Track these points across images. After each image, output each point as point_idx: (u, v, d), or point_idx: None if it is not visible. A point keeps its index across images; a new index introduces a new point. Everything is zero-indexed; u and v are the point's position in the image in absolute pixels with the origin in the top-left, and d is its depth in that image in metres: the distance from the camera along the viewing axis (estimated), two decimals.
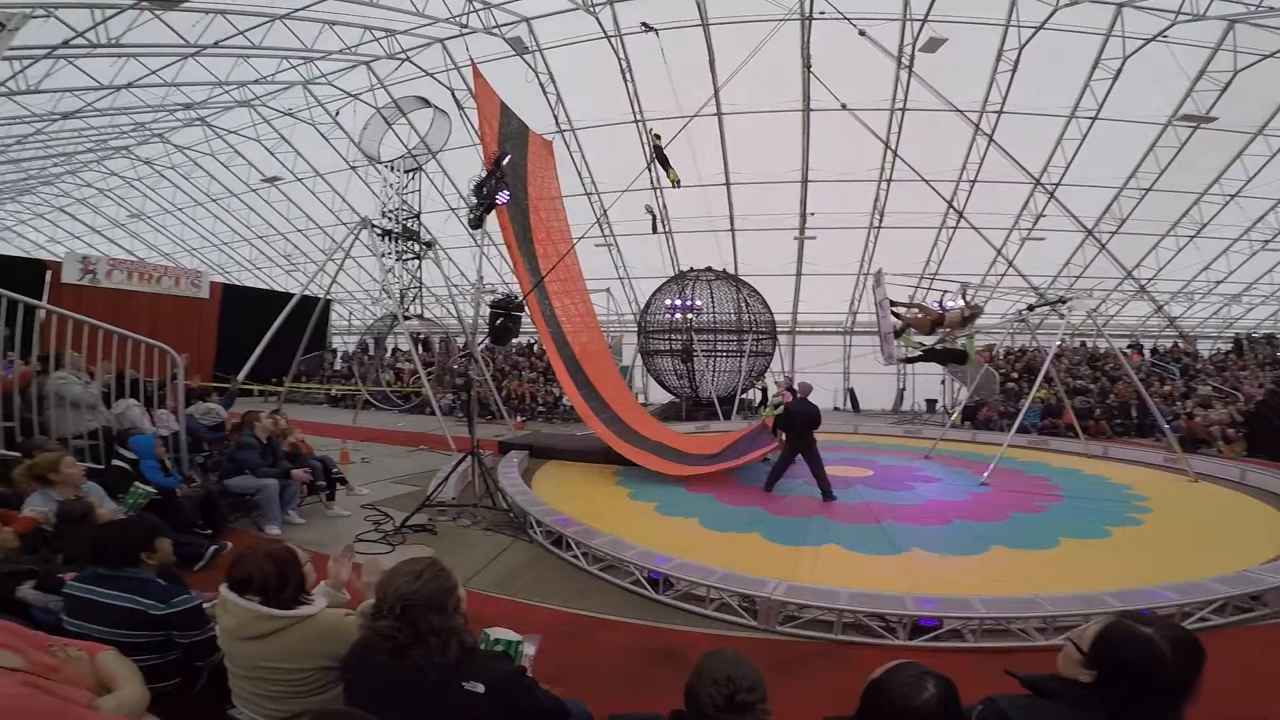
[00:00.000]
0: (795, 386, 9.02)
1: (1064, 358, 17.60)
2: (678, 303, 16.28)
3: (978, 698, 1.49)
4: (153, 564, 2.47)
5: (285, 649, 1.97)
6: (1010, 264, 13.73)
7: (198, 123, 19.42)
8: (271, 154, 20.75)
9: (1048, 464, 10.60)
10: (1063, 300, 9.91)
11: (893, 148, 13.88)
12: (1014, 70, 13.83)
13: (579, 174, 18.12)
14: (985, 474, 8.76)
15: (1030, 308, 10.52)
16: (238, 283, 25.77)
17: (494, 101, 10.52)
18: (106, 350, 5.51)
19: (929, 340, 10.03)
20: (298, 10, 12.55)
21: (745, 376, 16.53)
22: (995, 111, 14.63)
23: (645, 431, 10.45)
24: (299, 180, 21.74)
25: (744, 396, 17.17)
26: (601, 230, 19.14)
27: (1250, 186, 16.30)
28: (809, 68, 11.67)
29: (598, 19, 14.31)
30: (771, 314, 16.87)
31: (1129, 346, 19.06)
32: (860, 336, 20.72)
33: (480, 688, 1.66)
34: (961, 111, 11.01)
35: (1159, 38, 12.87)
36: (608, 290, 21.01)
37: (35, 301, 5.27)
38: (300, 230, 24.35)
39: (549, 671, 2.14)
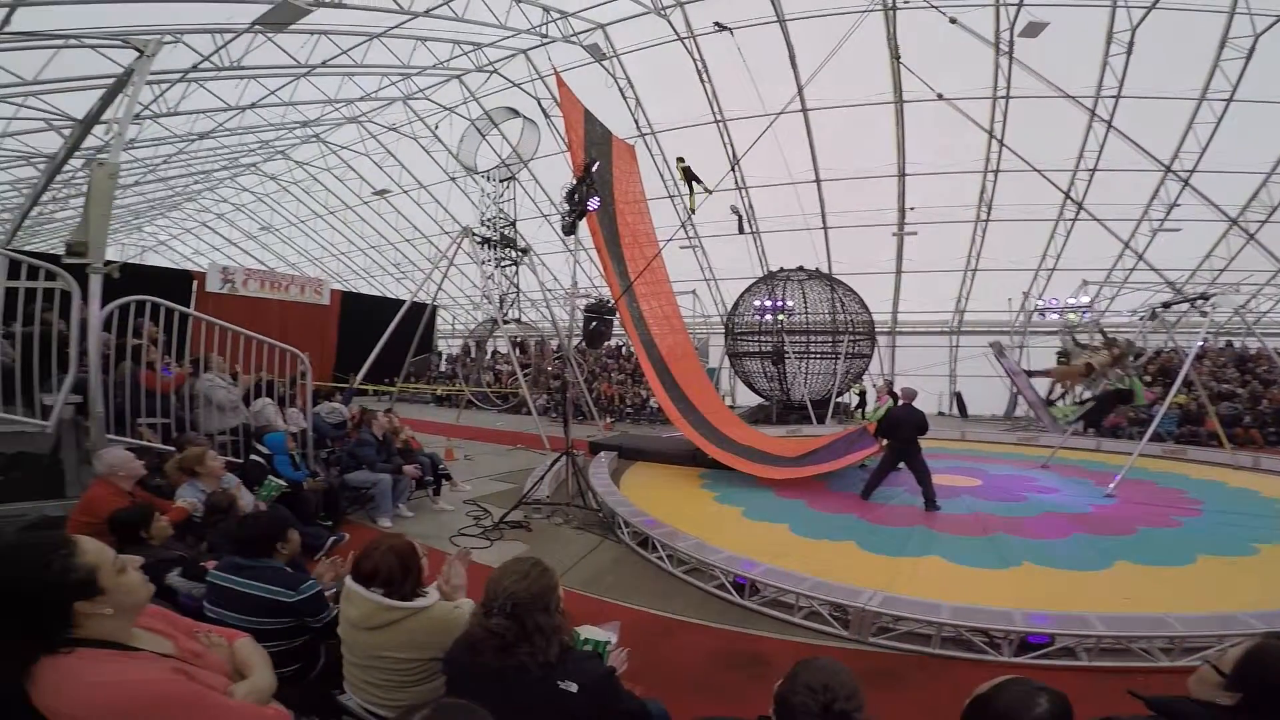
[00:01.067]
0: (898, 391, 8.62)
1: (1206, 359, 15.67)
2: (768, 303, 15.97)
3: (1090, 719, 1.40)
4: (284, 554, 2.71)
5: (401, 639, 2.10)
6: (1140, 257, 12.38)
7: (314, 139, 21.31)
8: (380, 168, 22.40)
9: (1185, 475, 9.52)
10: (1204, 297, 8.82)
11: (998, 137, 12.94)
12: (1128, 52, 12.61)
13: (661, 177, 18.23)
14: (1112, 485, 8.00)
15: (1166, 305, 9.46)
16: (354, 289, 27.99)
17: (578, 108, 10.79)
18: (246, 353, 6.17)
19: (1085, 392, 9.29)
20: (392, 29, 13.44)
21: (841, 379, 15.95)
22: (1112, 96, 13.31)
23: (734, 434, 10.35)
24: (405, 192, 23.31)
25: (839, 400, 16.57)
26: (686, 232, 19.15)
27: None
28: (898, 59, 11.15)
29: (669, 21, 14.38)
30: (870, 314, 16.18)
31: None
32: (968, 336, 19.46)
33: (574, 687, 1.72)
34: (1073, 97, 10.12)
35: None
36: (693, 292, 21.04)
37: (187, 310, 5.98)
38: (408, 240, 26.07)
39: (629, 669, 2.18)
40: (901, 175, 16.39)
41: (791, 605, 4.41)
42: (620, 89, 16.49)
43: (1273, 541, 5.89)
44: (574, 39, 14.90)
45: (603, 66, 15.69)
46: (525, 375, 15.82)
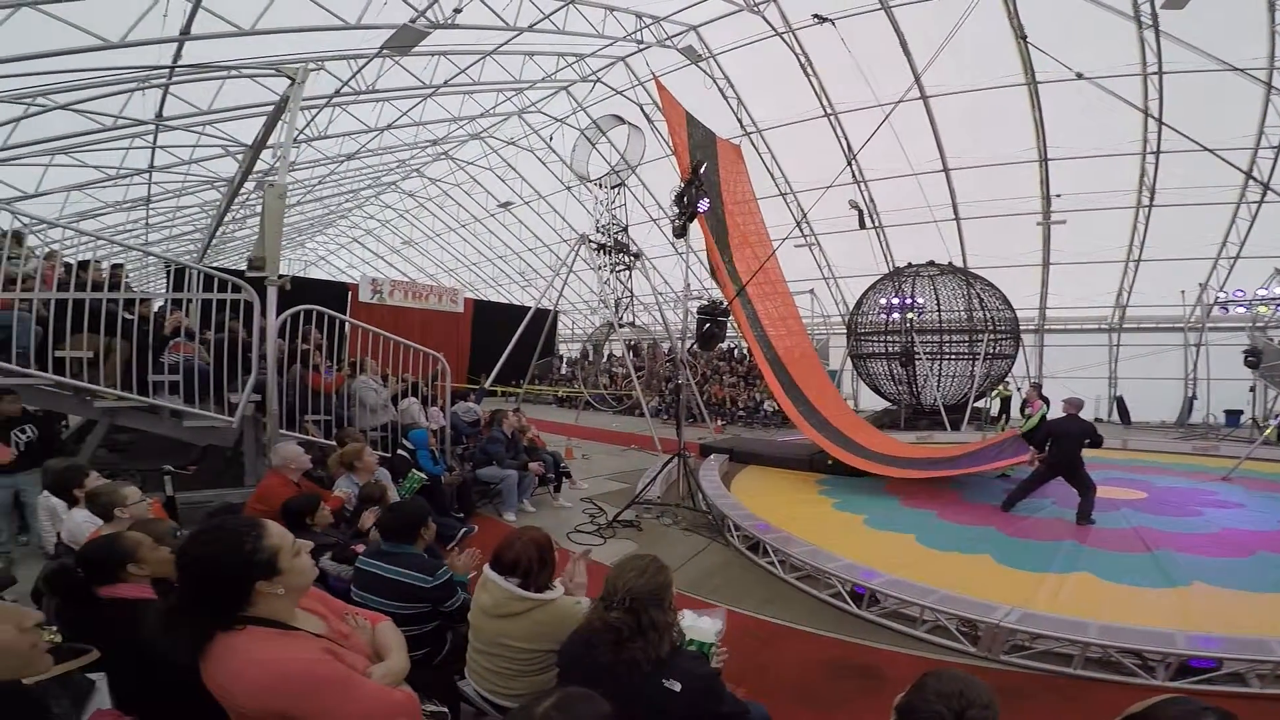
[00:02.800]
0: (1061, 397, 7.83)
1: None
2: (895, 301, 15.07)
3: None
4: (423, 541, 2.97)
5: (524, 629, 2.23)
6: None
7: (443, 157, 23.11)
8: (502, 180, 23.90)
9: None
10: None
11: (1155, 116, 11.39)
12: None
13: (770, 175, 17.84)
14: None
15: None
16: (484, 298, 29.98)
17: (679, 112, 10.83)
18: (394, 356, 6.87)
19: None
20: (501, 46, 14.24)
21: (980, 382, 14.71)
22: None
23: (861, 438, 9.92)
24: (526, 203, 24.66)
25: (978, 405, 15.29)
26: (801, 230, 18.59)
27: None
28: (1024, 38, 10.18)
29: (764, 17, 14.05)
30: (1013, 311, 14.78)
31: None
32: (1131, 334, 17.22)
33: (677, 686, 1.76)
34: (1241, 70, 8.68)
35: None
36: (811, 291, 20.38)
37: (345, 317, 6.77)
38: (530, 249, 27.53)
39: (733, 670, 2.20)
40: (1043, 160, 14.88)
41: (914, 618, 4.18)
42: (720, 89, 16.40)
43: None
44: (668, 43, 15.03)
45: (699, 68, 15.69)
46: (639, 378, 16.15)
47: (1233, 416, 14.96)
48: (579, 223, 21.38)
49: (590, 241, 15.91)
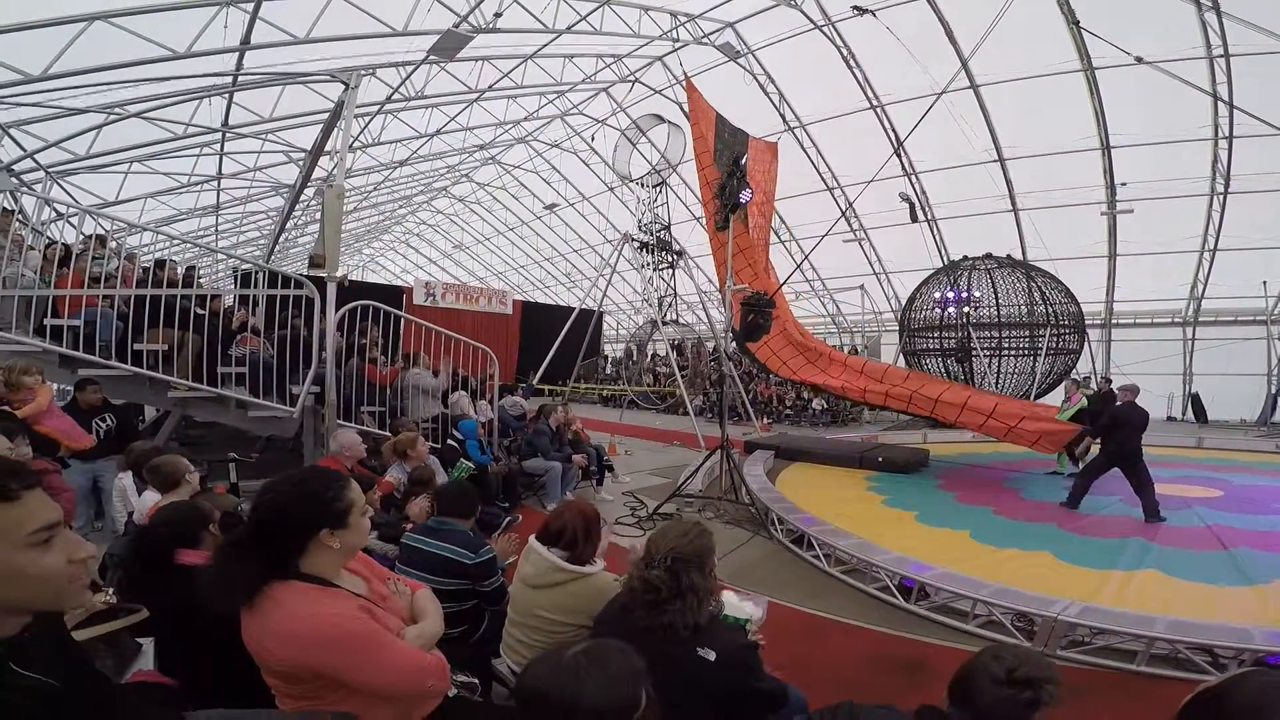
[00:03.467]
0: (1116, 389, 7.49)
1: None
2: (950, 295, 14.55)
3: None
4: (469, 520, 3.04)
5: (559, 600, 2.25)
6: None
7: (490, 162, 23.62)
8: (548, 183, 24.26)
9: None
10: None
11: (1225, 99, 10.68)
12: None
13: (816, 169, 17.51)
14: None
15: None
16: (531, 300, 30.48)
17: (708, 114, 10.72)
18: (445, 350, 7.10)
19: None
20: (542, 49, 14.43)
21: (1042, 379, 14.06)
22: None
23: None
24: (570, 205, 24.95)
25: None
26: (849, 224, 18.20)
27: None
28: (1076, 24, 9.71)
29: (802, 11, 13.80)
30: (1077, 304, 14.06)
31: None
32: (1208, 328, 16.18)
33: (712, 655, 1.72)
34: None
35: None
36: (861, 287, 19.93)
37: (399, 312, 7.04)
38: (575, 250, 27.84)
39: (773, 661, 2.17)
40: (1106, 148, 14.13)
41: (965, 613, 4.06)
42: (760, 85, 16.21)
43: None
44: (705, 40, 14.94)
45: (738, 64, 15.54)
46: (682, 376, 16.13)
47: None
48: (622, 223, 21.52)
49: (633, 240, 16.01)
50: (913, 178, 16.58)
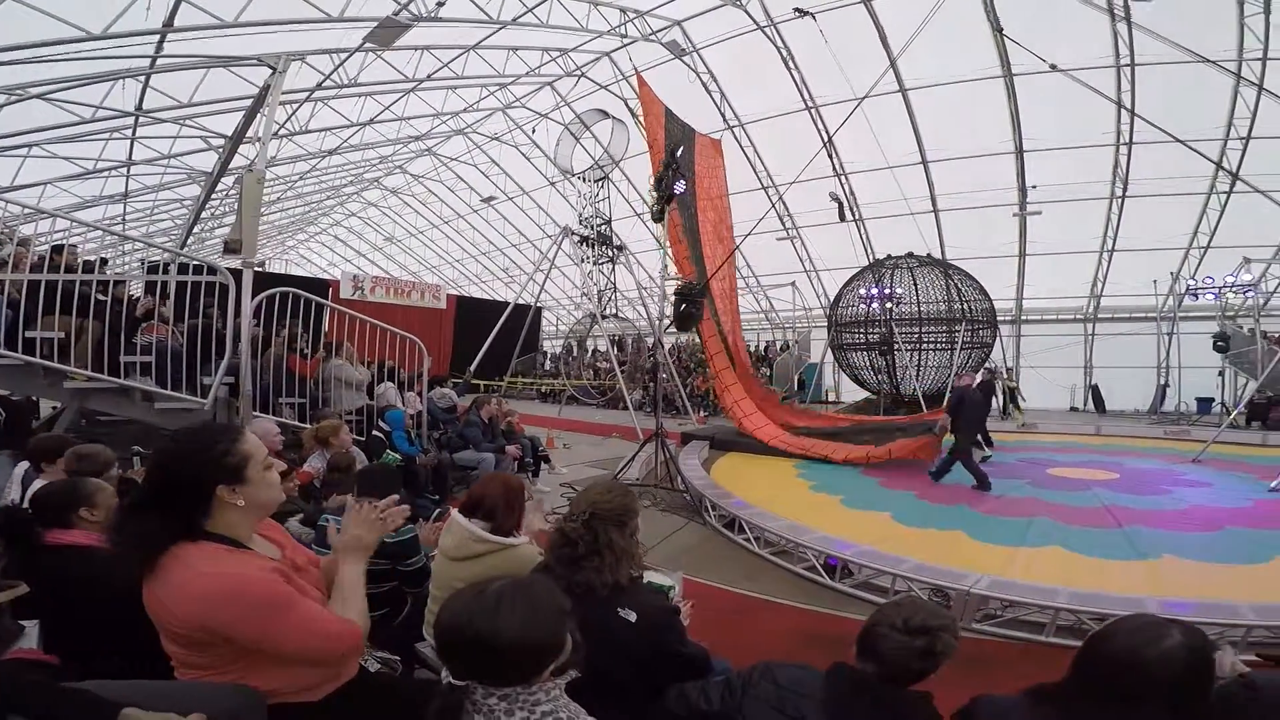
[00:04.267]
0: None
1: None
2: (874, 292, 15.18)
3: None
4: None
5: (481, 574, 2.06)
6: None
7: (426, 153, 22.94)
8: (486, 176, 23.80)
9: None
10: None
11: (1128, 107, 11.60)
12: (1265, 11, 10.84)
13: (753, 168, 17.92)
14: (1277, 480, 6.95)
15: None
16: (467, 295, 29.81)
17: (658, 106, 10.84)
18: (371, 340, 6.82)
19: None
20: (485, 40, 14.15)
21: (958, 371, 14.86)
22: (1258, 59, 11.49)
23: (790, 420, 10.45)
24: (510, 199, 24.56)
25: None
26: (782, 222, 18.70)
27: None
28: (1000, 31, 10.34)
29: (746, 11, 14.13)
30: (990, 301, 14.94)
31: None
32: (1105, 324, 17.52)
33: (633, 616, 1.69)
34: (1211, 61, 8.90)
35: None
36: (793, 284, 20.49)
37: (325, 301, 6.71)
38: (514, 245, 27.43)
39: (705, 640, 2.17)
40: (1019, 152, 15.11)
41: (885, 589, 4.23)
42: (703, 83, 16.45)
43: None
44: (652, 37, 15.03)
45: (683, 62, 15.73)
46: (622, 371, 16.16)
47: (1204, 403, 15.29)
48: (563, 217, 21.36)
49: (573, 234, 15.90)
50: (843, 178, 17.18)
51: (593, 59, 17.00)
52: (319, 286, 20.64)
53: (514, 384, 20.35)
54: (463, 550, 2.22)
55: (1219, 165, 11.26)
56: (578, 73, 17.58)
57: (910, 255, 15.26)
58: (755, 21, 14.41)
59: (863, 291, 15.40)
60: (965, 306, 14.77)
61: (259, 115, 7.65)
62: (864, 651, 1.47)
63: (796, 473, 8.32)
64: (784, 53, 15.03)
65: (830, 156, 16.16)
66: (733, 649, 3.36)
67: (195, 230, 16.07)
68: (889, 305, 15.06)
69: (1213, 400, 15.00)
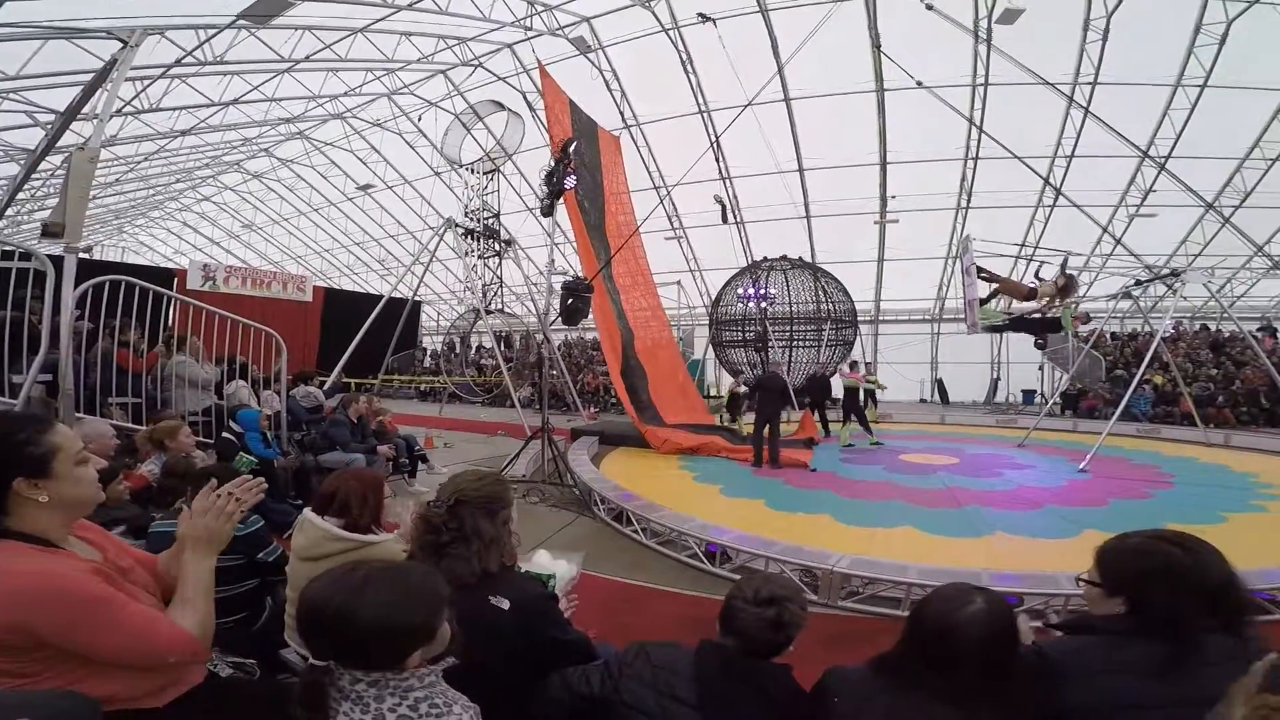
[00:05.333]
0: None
1: (1182, 342, 15.94)
2: (751, 292, 16.00)
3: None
4: None
5: None
6: (1118, 241, 12.59)
7: (297, 136, 21.11)
8: (364, 163, 22.26)
9: (1160, 453, 9.67)
10: (1175, 274, 8.96)
11: (977, 124, 13.07)
12: (1104, 39, 12.73)
13: (647, 168, 18.24)
14: (1084, 461, 8.12)
15: (1138, 283, 9.62)
16: (337, 286, 27.78)
17: (562, 99, 10.78)
18: (221, 336, 6.13)
19: (1019, 308, 9.45)
20: (376, 23, 13.34)
21: (824, 367, 16.02)
22: (1089, 83, 13.47)
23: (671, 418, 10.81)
24: (389, 188, 23.18)
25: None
26: (671, 223, 19.18)
27: None
28: (878, 47, 11.25)
29: (654, 13, 14.38)
30: (852, 302, 16.23)
31: (1259, 329, 16.92)
32: (949, 324, 19.63)
33: (505, 604, 1.63)
34: (1051, 84, 10.26)
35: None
36: (678, 282, 21.04)
37: (165, 290, 5.93)
38: (392, 236, 25.93)
39: (597, 630, 2.16)
40: (883, 164, 16.52)
41: (762, 571, 4.45)
42: (605, 81, 16.47)
43: (1240, 510, 6.03)
44: (559, 32, 14.85)
45: (588, 59, 15.67)
46: (509, 368, 15.79)
47: (1028, 395, 17.60)
48: (446, 209, 20.46)
49: (457, 226, 15.28)
50: (728, 182, 17.89)
51: (493, 50, 16.42)
52: (161, 276, 18.35)
53: (389, 382, 19.25)
54: (317, 549, 2.08)
55: (1046, 180, 12.95)
56: (475, 62, 16.90)
57: (784, 258, 16.24)
58: (661, 24, 14.60)
59: (741, 291, 16.20)
60: (831, 306, 15.98)
61: (100, 91, 6.68)
62: (724, 626, 1.55)
63: (680, 465, 8.58)
64: (684, 56, 15.35)
65: (717, 160, 16.76)
66: (622, 637, 3.41)
67: (9, 213, 13.72)
68: (764, 305, 15.96)
69: (1035, 392, 17.30)
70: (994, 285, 9.72)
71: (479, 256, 15.65)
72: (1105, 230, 13.21)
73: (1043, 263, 9.58)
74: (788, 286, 16.25)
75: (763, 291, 15.88)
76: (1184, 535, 1.38)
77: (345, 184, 23.75)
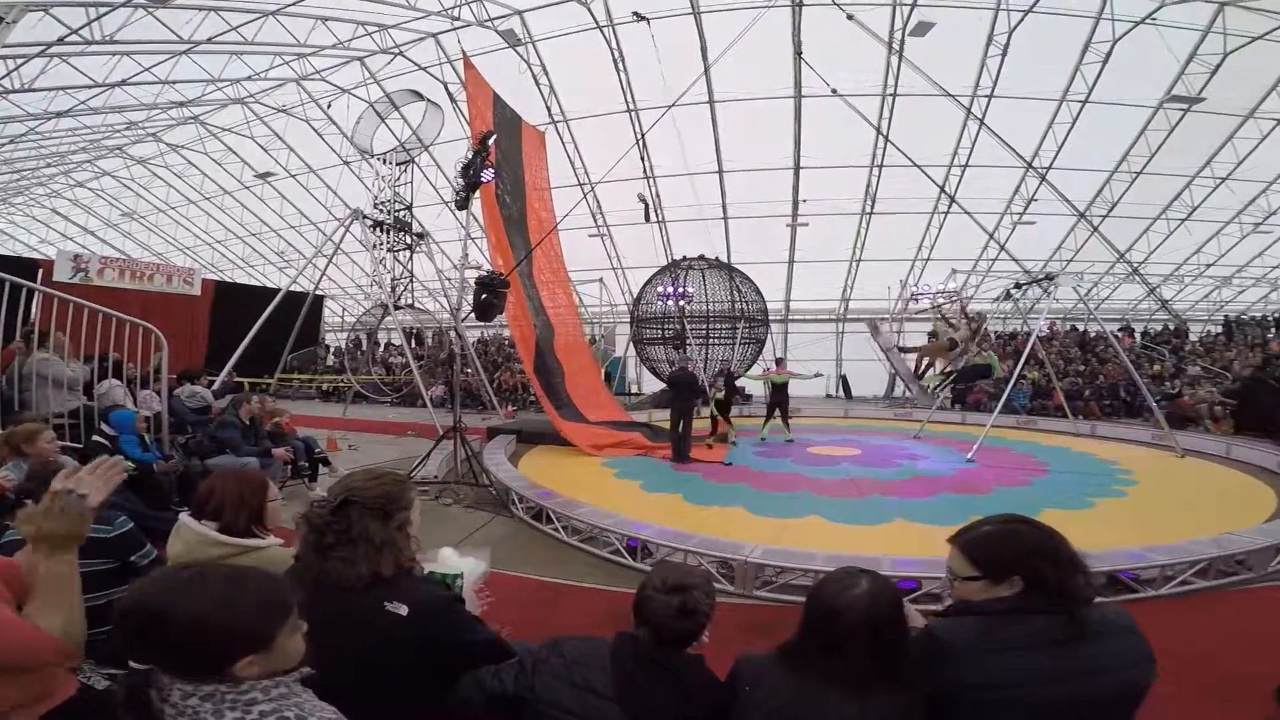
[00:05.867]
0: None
1: (1055, 341, 17.63)
2: (670, 290, 16.23)
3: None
4: None
5: None
6: (1002, 248, 13.74)
7: (191, 120, 19.35)
8: (265, 151, 20.71)
9: (1037, 443, 10.63)
10: (1049, 277, 9.91)
11: (884, 133, 13.83)
12: (1004, 55, 13.80)
13: (572, 165, 18.09)
14: (971, 451, 8.80)
15: (1017, 285, 10.54)
16: (230, 280, 25.74)
17: (486, 91, 10.49)
18: (92, 331, 5.49)
19: (949, 364, 10.31)
20: (289, 6, 12.48)
21: (737, 365, 16.49)
22: (986, 96, 14.59)
23: (592, 415, 10.88)
24: (292, 176, 21.71)
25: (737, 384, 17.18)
26: (595, 220, 19.13)
27: (1241, 169, 16.20)
28: (799, 54, 11.65)
29: (590, 10, 14.28)
30: (764, 301, 16.80)
31: (1120, 329, 19.05)
32: (853, 324, 20.74)
33: (403, 609, 1.52)
34: (953, 96, 11.00)
35: (1148, 20, 12.82)
36: (600, 280, 21.04)
37: (24, 282, 5.21)
38: (293, 227, 24.34)
39: (519, 629, 2.09)
40: (796, 168, 17.18)
41: (677, 562, 4.51)
42: (534, 75, 16.16)
43: (1105, 496, 6.70)
44: (489, 24, 14.40)
45: (517, 52, 15.31)
46: (419, 365, 15.21)
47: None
48: (355, 200, 19.40)
49: (365, 218, 14.50)
50: (652, 181, 18.04)
51: (416, 39, 15.66)
52: (23, 267, 16.32)
53: (288, 381, 18.06)
54: (193, 555, 1.91)
55: (941, 189, 13.91)
56: (395, 50, 16.05)
57: (702, 257, 16.59)
58: (596, 21, 14.43)
59: (661, 290, 16.40)
60: (745, 306, 16.51)
61: None
62: (637, 616, 1.56)
63: (601, 461, 8.59)
64: (616, 54, 15.26)
65: (642, 159, 16.87)
66: (546, 635, 3.35)
67: None
68: (682, 303, 16.24)
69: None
70: (920, 357, 10.50)
71: (388, 249, 14.97)
72: (991, 236, 14.37)
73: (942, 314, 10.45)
74: (705, 285, 16.61)
75: (681, 290, 16.15)
76: (1023, 516, 1.45)
77: (243, 172, 22.01)
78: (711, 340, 16.53)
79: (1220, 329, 19.10)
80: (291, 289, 14.69)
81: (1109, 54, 13.55)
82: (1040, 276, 10.08)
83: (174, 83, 15.27)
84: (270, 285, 24.76)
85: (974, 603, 1.42)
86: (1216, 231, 18.48)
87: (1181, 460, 8.97)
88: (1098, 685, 1.26)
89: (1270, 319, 18.49)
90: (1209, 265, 19.60)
